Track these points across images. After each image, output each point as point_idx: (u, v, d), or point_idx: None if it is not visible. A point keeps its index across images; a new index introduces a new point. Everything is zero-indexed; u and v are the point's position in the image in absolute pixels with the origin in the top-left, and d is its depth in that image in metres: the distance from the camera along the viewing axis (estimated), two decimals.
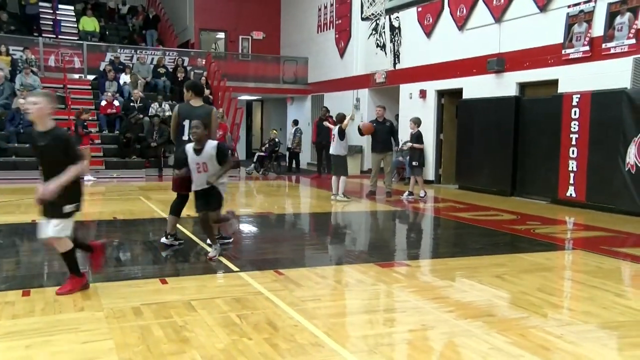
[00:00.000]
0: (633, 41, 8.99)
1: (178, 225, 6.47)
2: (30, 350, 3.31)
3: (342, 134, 10.32)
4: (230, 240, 6.38)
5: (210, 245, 5.85)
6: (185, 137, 5.85)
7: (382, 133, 10.67)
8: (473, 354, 3.34)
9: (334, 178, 10.45)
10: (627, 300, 4.49)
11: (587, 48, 9.75)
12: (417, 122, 10.81)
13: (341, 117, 10.53)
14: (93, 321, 3.78)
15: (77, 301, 4.21)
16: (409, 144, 10.91)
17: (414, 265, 5.75)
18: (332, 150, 10.53)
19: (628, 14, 9.07)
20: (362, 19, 10.92)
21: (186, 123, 5.87)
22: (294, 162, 17.37)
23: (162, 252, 6.03)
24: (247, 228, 7.40)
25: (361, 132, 11.21)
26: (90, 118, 13.99)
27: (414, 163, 10.76)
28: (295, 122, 17.86)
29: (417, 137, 10.73)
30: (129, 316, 3.88)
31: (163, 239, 6.20)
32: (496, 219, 8.45)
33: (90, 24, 18.93)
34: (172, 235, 6.18)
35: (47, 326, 3.70)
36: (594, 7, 9.65)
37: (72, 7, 20.80)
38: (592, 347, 3.46)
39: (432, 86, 13.69)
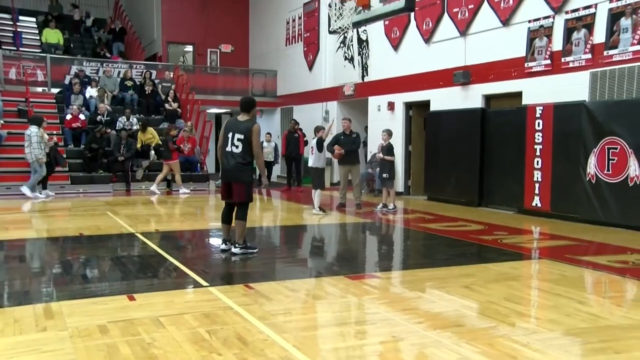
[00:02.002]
0: (589, 56, 9.32)
1: (145, 240, 6.39)
2: None
3: (320, 146, 10.30)
4: (255, 251, 6.65)
5: None
6: (229, 149, 6.31)
7: (348, 145, 10.72)
8: None
9: (313, 191, 10.38)
10: (589, 307, 4.62)
11: (548, 62, 10.05)
12: (390, 133, 10.93)
13: (319, 129, 10.56)
14: (56, 341, 3.69)
15: (39, 321, 4.10)
16: (380, 156, 10.97)
17: (383, 277, 5.80)
18: (311, 162, 10.50)
19: (584, 30, 9.42)
20: (330, 32, 11.00)
21: (229, 135, 6.30)
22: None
23: (223, 255, 6.58)
24: (217, 242, 7.35)
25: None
26: (176, 134, 14.79)
27: (384, 175, 10.82)
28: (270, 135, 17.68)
29: (387, 149, 10.79)
30: (94, 335, 3.80)
31: (222, 245, 6.68)
32: (464, 230, 8.58)
33: (53, 36, 18.60)
34: (228, 240, 6.64)
35: (7, 348, 3.59)
36: (552, 22, 9.98)
37: (33, 19, 20.43)
38: (557, 354, 3.55)
39: (400, 98, 13.88)
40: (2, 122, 13.99)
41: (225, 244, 6.63)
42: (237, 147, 6.27)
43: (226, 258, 6.48)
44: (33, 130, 12.50)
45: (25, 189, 12.43)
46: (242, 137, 6.26)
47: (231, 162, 6.32)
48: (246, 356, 3.44)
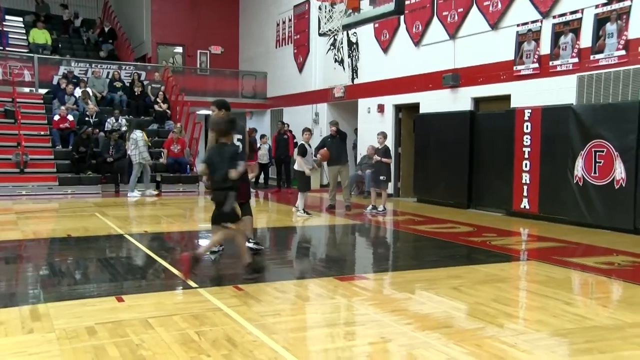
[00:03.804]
0: (576, 60, 9.42)
1: (134, 241, 6.36)
2: None
3: (301, 151, 10.39)
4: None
5: None
6: None
7: (334, 147, 10.78)
8: None
9: (299, 194, 10.47)
10: (576, 308, 4.67)
11: (536, 65, 10.14)
12: (385, 136, 11.03)
13: (305, 131, 10.75)
14: (43, 343, 3.67)
15: (26, 323, 4.07)
16: (377, 158, 11.01)
17: (373, 278, 5.82)
18: (295, 166, 10.67)
19: (571, 35, 9.52)
20: (320, 34, 11.04)
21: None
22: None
23: (212, 256, 6.26)
24: (205, 243, 7.31)
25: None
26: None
27: (381, 177, 10.86)
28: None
29: (384, 152, 10.87)
30: (82, 336, 3.78)
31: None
32: (453, 232, 8.63)
33: (41, 36, 18.44)
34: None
35: None
36: (540, 27, 10.07)
37: (20, 19, 20.27)
38: (543, 354, 3.58)
39: (390, 101, 13.93)
40: None
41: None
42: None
43: (215, 259, 6.45)
44: (138, 134, 13.38)
45: (134, 193, 13.30)
46: (240, 137, 6.32)
47: None
48: (235, 357, 3.44)
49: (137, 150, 13.29)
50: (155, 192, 13.91)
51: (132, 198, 12.99)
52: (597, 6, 9.08)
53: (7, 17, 19.84)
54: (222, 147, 5.49)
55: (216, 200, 5.56)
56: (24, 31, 19.55)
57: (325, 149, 10.67)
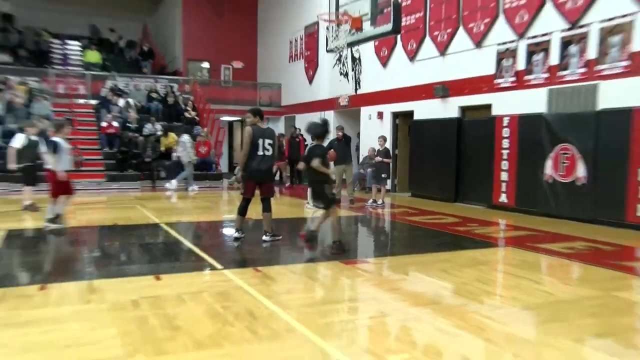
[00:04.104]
0: (547, 75, 9.41)
1: (169, 229, 6.44)
2: (46, 336, 3.34)
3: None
4: (279, 238, 6.63)
5: None
6: (261, 153, 6.27)
7: (340, 149, 10.81)
8: (422, 335, 3.47)
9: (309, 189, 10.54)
10: (543, 286, 4.72)
11: (513, 79, 10.12)
12: (385, 139, 11.09)
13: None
14: (98, 312, 3.80)
15: (83, 295, 4.21)
16: (379, 159, 11.04)
17: (373, 262, 5.88)
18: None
19: (542, 53, 9.51)
20: (327, 51, 11.08)
21: (260, 141, 6.26)
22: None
23: (235, 243, 6.48)
24: (229, 232, 7.41)
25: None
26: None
27: (382, 175, 10.89)
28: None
29: (385, 153, 10.90)
30: (128, 308, 3.89)
31: (235, 234, 6.57)
32: (442, 222, 8.65)
33: (93, 56, 18.91)
34: (240, 229, 6.59)
35: (60, 316, 3.72)
36: (517, 46, 10.06)
37: (78, 42, 20.66)
38: (517, 325, 3.65)
39: (388, 108, 13.93)
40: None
41: (238, 233, 6.67)
42: (268, 150, 6.36)
43: (238, 245, 6.54)
44: (187, 137, 13.43)
45: (172, 184, 13.01)
46: (271, 141, 6.39)
47: (265, 164, 6.36)
48: (255, 328, 3.52)
49: (186, 152, 13.24)
50: (197, 189, 13.68)
51: (170, 191, 12.98)
52: (562, 30, 9.07)
53: (68, 41, 20.23)
54: (314, 147, 6.07)
55: (312, 191, 6.21)
56: (80, 52, 19.89)
57: (332, 150, 10.69)
